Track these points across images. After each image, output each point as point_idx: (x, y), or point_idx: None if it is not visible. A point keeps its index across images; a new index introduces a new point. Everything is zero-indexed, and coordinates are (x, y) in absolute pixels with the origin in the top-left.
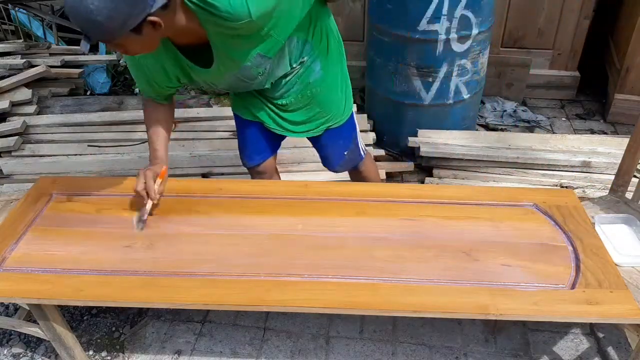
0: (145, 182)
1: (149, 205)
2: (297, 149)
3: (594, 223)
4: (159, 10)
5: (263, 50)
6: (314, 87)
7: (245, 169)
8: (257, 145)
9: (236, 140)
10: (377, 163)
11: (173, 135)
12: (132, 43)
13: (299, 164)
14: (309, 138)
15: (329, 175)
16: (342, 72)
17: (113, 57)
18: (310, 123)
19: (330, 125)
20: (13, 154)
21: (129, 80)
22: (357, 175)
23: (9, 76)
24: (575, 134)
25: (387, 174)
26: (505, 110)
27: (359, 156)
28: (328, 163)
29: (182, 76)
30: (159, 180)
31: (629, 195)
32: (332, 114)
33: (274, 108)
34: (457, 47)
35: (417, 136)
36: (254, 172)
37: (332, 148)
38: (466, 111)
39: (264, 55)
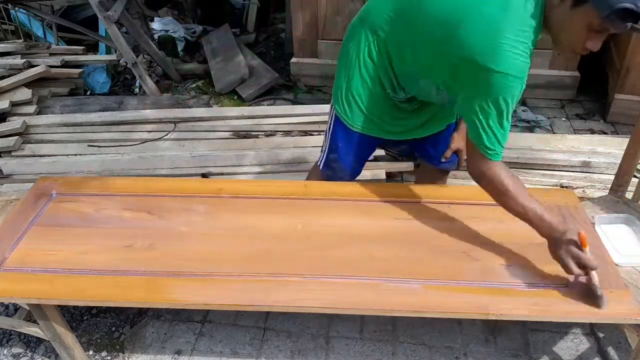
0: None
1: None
2: (297, 149)
3: (594, 223)
4: None
5: None
6: None
7: (245, 169)
8: (366, 157)
9: (236, 140)
10: (377, 163)
11: (173, 135)
12: None
13: (299, 164)
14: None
15: None
16: None
17: (113, 57)
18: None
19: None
20: (13, 154)
21: (129, 80)
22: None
23: (9, 76)
24: (575, 134)
25: (387, 174)
26: None
27: None
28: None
29: None
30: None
31: (629, 195)
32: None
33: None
34: None
35: None
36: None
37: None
38: None
39: None
